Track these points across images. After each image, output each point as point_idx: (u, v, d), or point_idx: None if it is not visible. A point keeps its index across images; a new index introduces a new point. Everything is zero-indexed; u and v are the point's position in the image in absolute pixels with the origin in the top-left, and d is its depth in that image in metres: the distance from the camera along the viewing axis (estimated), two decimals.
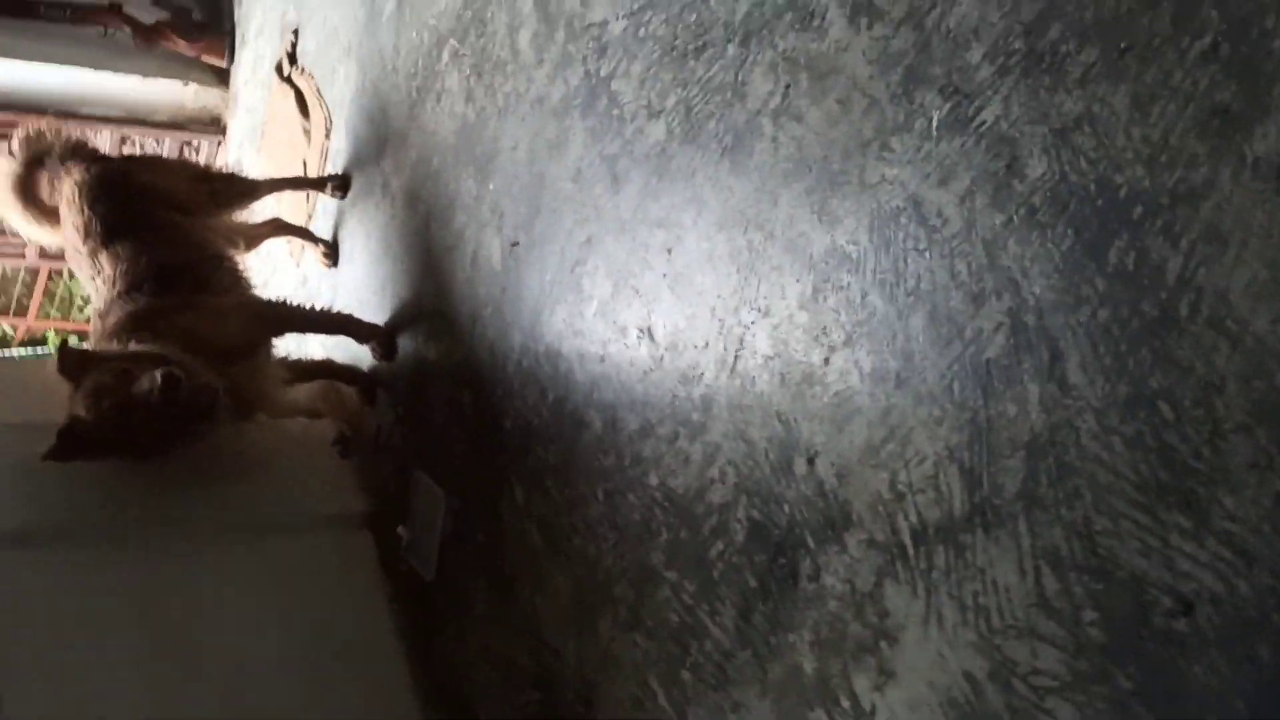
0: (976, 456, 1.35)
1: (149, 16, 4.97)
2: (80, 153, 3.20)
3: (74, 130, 3.27)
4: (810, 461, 1.62)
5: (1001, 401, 1.33)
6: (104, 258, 2.92)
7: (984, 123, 1.37)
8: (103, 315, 2.84)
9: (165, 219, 3.11)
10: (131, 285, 2.85)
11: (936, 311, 1.42)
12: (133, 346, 2.57)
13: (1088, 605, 1.21)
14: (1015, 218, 1.32)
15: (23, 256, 6.18)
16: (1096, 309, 1.23)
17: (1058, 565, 1.25)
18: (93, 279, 2.97)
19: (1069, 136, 1.27)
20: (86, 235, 2.98)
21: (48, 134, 3.24)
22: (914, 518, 1.43)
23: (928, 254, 1.44)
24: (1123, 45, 1.21)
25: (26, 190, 3.21)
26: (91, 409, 2.34)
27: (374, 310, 3.32)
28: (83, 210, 3.01)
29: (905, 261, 1.47)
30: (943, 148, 1.42)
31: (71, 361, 2.47)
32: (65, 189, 3.10)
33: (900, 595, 1.45)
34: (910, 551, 1.44)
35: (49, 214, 3.22)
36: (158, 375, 2.25)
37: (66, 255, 3.16)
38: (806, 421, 1.62)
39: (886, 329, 1.50)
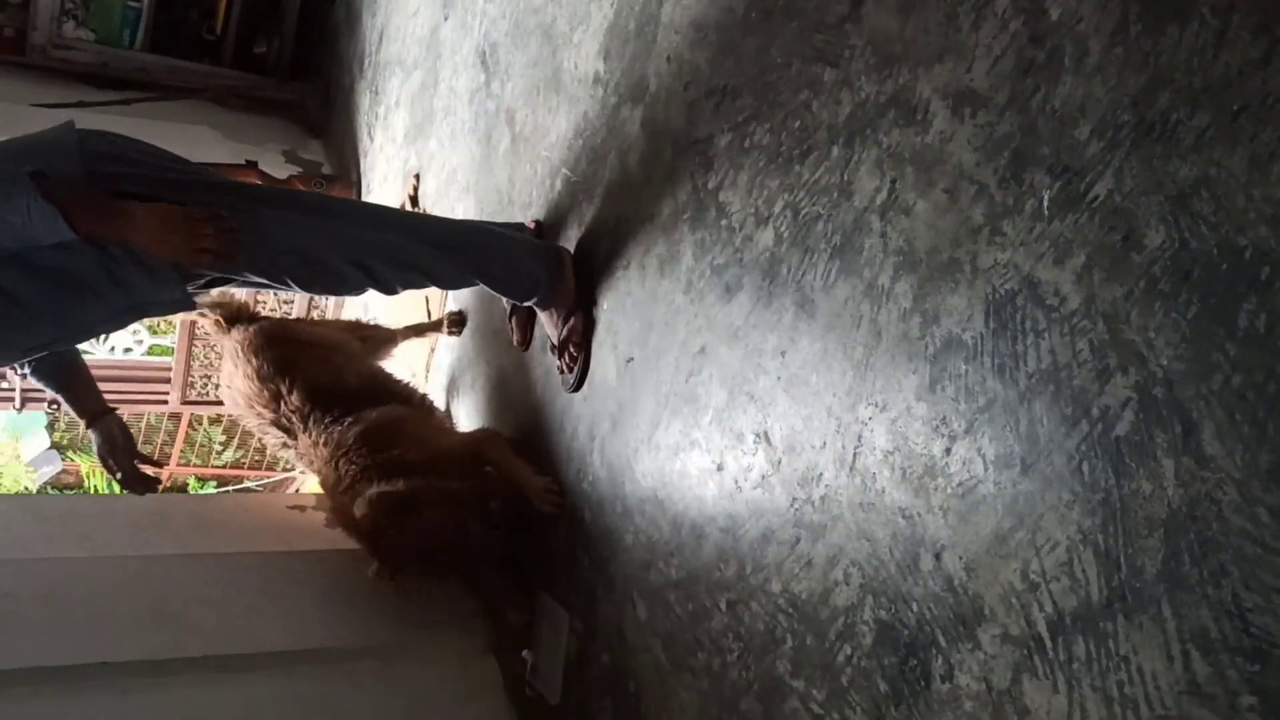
0: (1112, 539, 1.29)
1: (282, 173, 5.27)
2: (242, 316, 3.41)
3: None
4: (937, 556, 1.56)
5: (1135, 479, 1.27)
6: (294, 397, 3.10)
7: (1097, 197, 1.34)
8: (316, 444, 3.01)
9: (329, 359, 3.28)
10: (325, 410, 3.05)
11: (1060, 392, 1.38)
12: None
13: (1244, 689, 1.13)
14: (1136, 290, 1.29)
15: (165, 403, 6.46)
16: (1229, 376, 1.18)
17: (1208, 648, 1.17)
18: (273, 420, 3.11)
19: (1187, 203, 1.24)
20: (260, 379, 3.15)
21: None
22: (1049, 608, 1.37)
23: (1047, 334, 1.41)
24: (1235, 107, 1.19)
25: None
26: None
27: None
28: (250, 360, 3.17)
29: (1024, 344, 1.44)
30: (1055, 226, 1.40)
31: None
32: (228, 351, 3.28)
33: (1040, 691, 1.38)
34: (1048, 644, 1.37)
35: None
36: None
37: (241, 412, 3.31)
38: (930, 515, 1.58)
39: (1009, 414, 1.46)
